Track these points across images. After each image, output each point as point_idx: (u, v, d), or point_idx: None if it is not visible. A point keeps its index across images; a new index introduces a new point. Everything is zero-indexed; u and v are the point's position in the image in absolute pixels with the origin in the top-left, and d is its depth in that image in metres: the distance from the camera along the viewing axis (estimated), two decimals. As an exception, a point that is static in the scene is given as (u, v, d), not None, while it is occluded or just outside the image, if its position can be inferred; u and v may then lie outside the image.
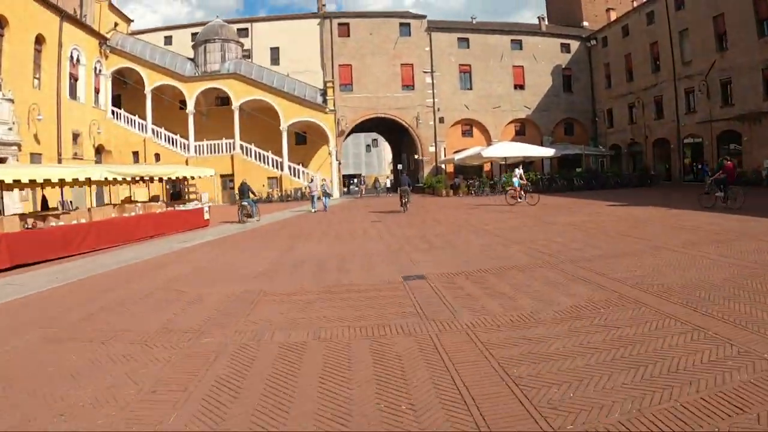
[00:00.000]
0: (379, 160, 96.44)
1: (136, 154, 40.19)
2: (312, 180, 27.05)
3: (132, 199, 24.85)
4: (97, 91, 40.00)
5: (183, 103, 41.00)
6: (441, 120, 44.13)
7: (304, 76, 40.79)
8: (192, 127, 39.35)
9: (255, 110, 40.26)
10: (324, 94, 38.80)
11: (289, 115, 38.78)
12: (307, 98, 38.67)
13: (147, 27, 45.30)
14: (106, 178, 15.79)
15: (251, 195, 22.23)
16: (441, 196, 34.87)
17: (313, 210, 25.39)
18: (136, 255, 12.91)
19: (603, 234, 12.30)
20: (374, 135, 58.42)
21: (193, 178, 23.04)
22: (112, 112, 40.57)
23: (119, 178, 16.35)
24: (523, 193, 23.11)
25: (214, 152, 39.57)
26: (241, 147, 38.96)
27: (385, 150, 72.64)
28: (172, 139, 39.99)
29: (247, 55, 42.88)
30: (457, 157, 37.86)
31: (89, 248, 14.29)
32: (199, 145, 39.68)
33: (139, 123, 40.31)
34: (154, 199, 24.01)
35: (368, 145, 60.35)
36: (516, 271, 8.50)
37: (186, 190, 26.30)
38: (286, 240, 14.59)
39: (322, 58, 42.76)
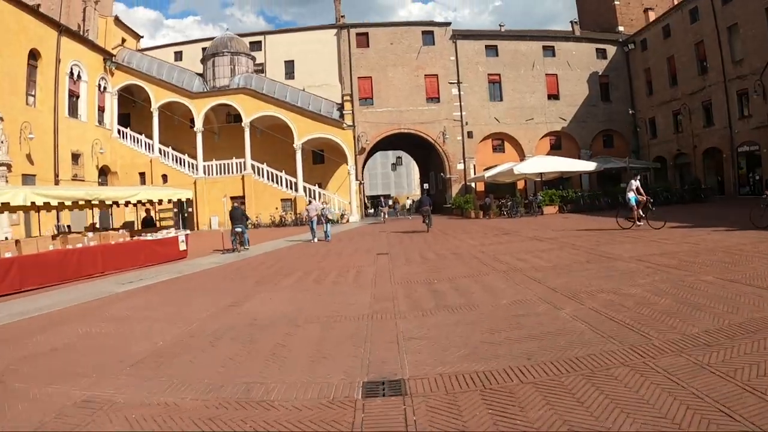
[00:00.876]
0: (409, 180, 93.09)
1: (142, 175, 37.37)
2: (310, 203, 21.80)
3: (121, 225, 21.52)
4: (101, 110, 37.35)
5: (193, 122, 38.10)
6: (469, 134, 40.32)
7: (320, 90, 37.51)
8: (200, 146, 36.32)
9: (269, 128, 37.09)
10: (341, 108, 35.37)
11: (304, 132, 35.44)
12: (323, 113, 35.29)
13: (160, 44, 42.79)
14: (33, 203, 12.11)
15: (244, 220, 18.95)
16: (469, 218, 30.85)
17: (314, 240, 20.52)
18: (41, 305, 9.33)
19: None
20: (400, 152, 54.63)
21: (160, 202, 18.68)
22: (118, 131, 37.87)
23: (54, 203, 12.62)
24: (639, 213, 16.28)
25: (224, 173, 36.39)
26: (253, 167, 35.70)
27: (413, 168, 68.82)
28: (180, 159, 37.02)
29: (261, 69, 39.90)
30: (488, 174, 33.90)
31: (8, 290, 10.88)
32: (208, 165, 36.56)
33: (146, 143, 37.52)
34: (127, 225, 20.49)
35: (393, 164, 56.26)
36: (586, 378, 4.22)
37: (156, 215, 22.55)
38: (251, 283, 10.84)
39: (339, 70, 39.51)
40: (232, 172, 35.99)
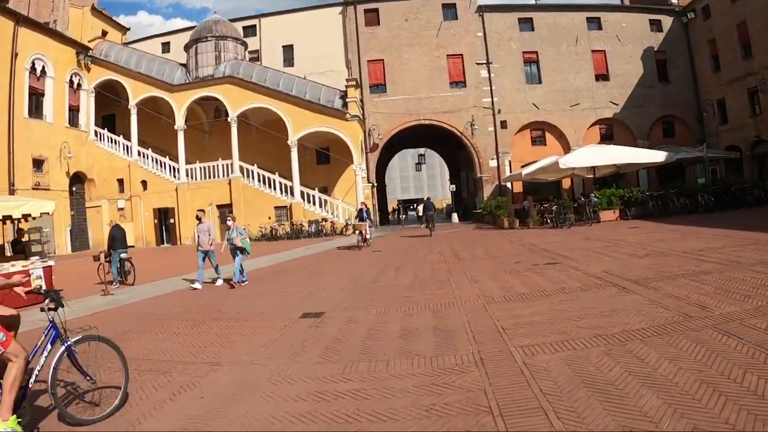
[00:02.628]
0: (443, 182, 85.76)
1: (121, 181, 31.73)
2: (199, 220, 12.18)
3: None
4: (74, 109, 31.92)
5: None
6: (503, 124, 33.12)
7: (324, 77, 30.98)
8: (182, 146, 30.31)
9: (265, 124, 30.80)
10: (344, 96, 28.84)
11: (300, 126, 28.92)
12: (322, 102, 28.77)
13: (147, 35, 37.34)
14: None
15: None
16: (503, 228, 23.33)
17: (196, 284, 11.33)
18: None
19: None
20: (423, 149, 47.58)
21: (22, 219, 12.34)
22: (96, 133, 32.41)
23: None
24: None
25: (210, 176, 30.26)
26: (242, 169, 29.48)
27: (447, 169, 61.49)
28: (161, 162, 31.28)
29: (256, 57, 33.73)
30: (526, 171, 26.67)
31: None
32: (191, 169, 30.56)
33: (124, 145, 31.88)
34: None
35: (417, 163, 48.47)
36: None
37: (20, 235, 16.20)
38: None
39: (346, 54, 32.86)
40: (218, 176, 29.85)
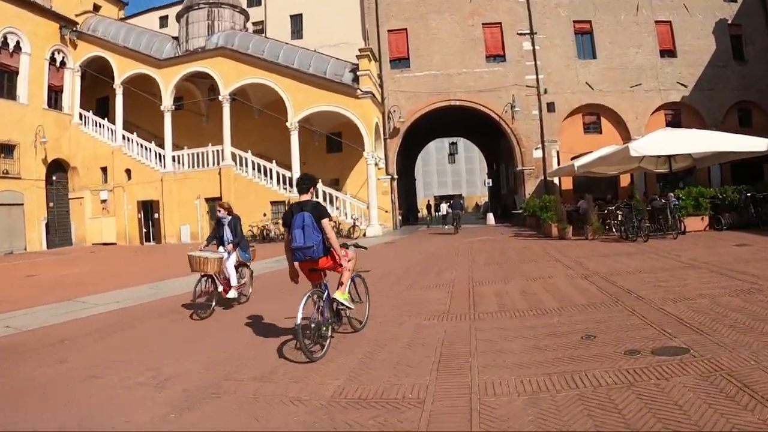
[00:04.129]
0: (483, 177, 79.03)
1: (105, 170, 27.37)
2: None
3: None
4: (57, 90, 27.77)
5: (178, 100, 27.88)
6: (550, 107, 26.94)
7: (337, 50, 25.45)
8: (169, 130, 25.51)
9: (268, 106, 25.78)
10: (356, 69, 23.39)
11: (301, 104, 23.56)
12: (328, 76, 23.43)
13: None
14: None
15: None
16: (550, 236, 16.84)
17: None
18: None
19: None
20: (456, 139, 41.07)
21: None
22: (80, 116, 28.16)
23: None
24: None
25: (198, 165, 25.38)
26: (234, 157, 24.54)
27: (482, 161, 54.95)
28: (147, 148, 26.70)
29: (260, 29, 28.71)
30: (580, 162, 20.56)
31: None
32: (179, 156, 25.81)
33: (109, 129, 27.53)
34: None
35: (450, 154, 41.39)
36: None
37: None
38: None
39: (363, 23, 27.41)
40: (208, 165, 24.92)
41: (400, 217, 27.72)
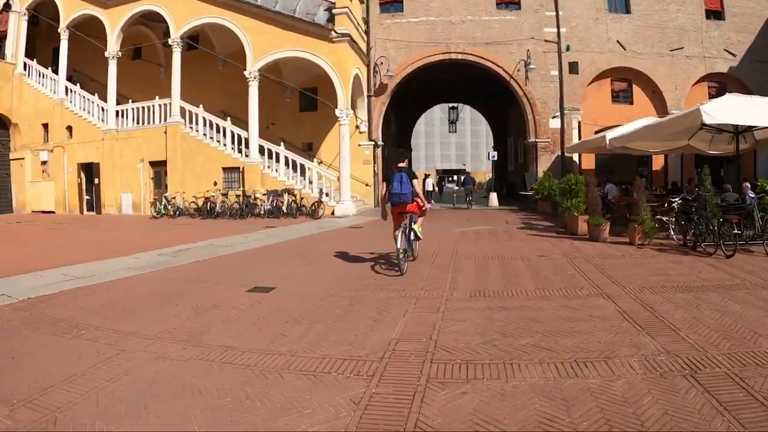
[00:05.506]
0: (488, 150, 73.17)
1: (46, 127, 22.75)
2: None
3: None
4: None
5: (137, 50, 23.09)
6: (572, 68, 21.66)
7: (318, -10, 20.60)
8: (113, 80, 20.46)
9: (233, 56, 20.74)
10: (332, 8, 18.16)
11: (263, 49, 18.15)
12: (297, 15, 18.29)
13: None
14: None
15: None
16: (575, 235, 11.30)
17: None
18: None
19: None
20: (458, 105, 35.03)
21: None
22: (25, 65, 23.39)
23: None
24: None
25: (144, 122, 20.58)
26: (183, 113, 19.70)
27: (489, 134, 48.97)
28: (91, 101, 21.89)
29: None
30: (613, 135, 15.29)
31: None
32: (122, 111, 21.02)
33: (52, 79, 22.77)
34: None
35: (450, 121, 34.66)
36: None
37: None
38: None
39: (350, -44, 22.24)
40: (154, 122, 20.11)
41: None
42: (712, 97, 22.65)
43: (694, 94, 22.71)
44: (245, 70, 18.39)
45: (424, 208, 7.61)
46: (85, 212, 22.12)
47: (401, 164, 7.36)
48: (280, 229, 13.55)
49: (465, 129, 74.32)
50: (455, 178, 63.42)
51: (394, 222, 7.49)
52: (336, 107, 18.09)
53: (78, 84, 22.43)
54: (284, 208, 16.91)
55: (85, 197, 22.39)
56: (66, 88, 22.19)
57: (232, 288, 6.33)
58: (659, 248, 9.12)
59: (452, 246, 9.82)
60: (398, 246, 7.02)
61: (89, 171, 21.94)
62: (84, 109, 21.87)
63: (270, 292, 6.10)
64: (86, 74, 23.61)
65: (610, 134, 14.86)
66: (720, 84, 23.39)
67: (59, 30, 22.30)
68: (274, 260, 8.72)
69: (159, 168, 19.89)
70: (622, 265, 7.59)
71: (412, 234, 7.45)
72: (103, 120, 21.17)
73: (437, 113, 63.42)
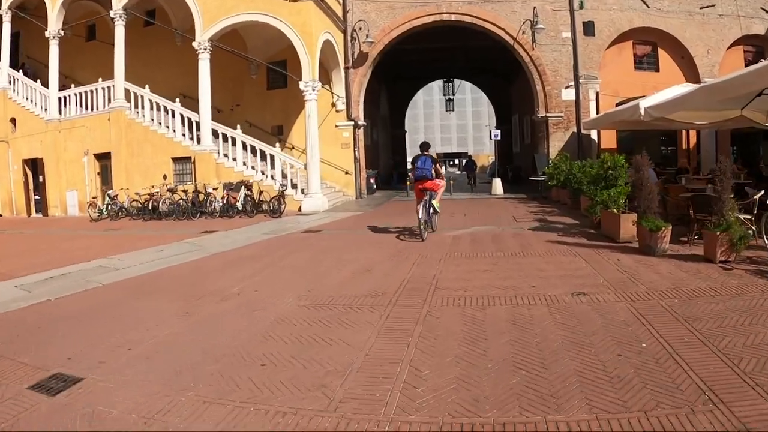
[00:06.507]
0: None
1: (-9, 119, 19.62)
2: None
3: None
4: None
5: (91, 28, 19.97)
6: (588, 29, 18.04)
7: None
8: (55, 64, 17.39)
9: (192, 31, 17.45)
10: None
11: (214, 14, 14.68)
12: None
13: None
14: None
15: None
16: (615, 242, 7.76)
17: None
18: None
19: None
20: (455, 80, 31.06)
21: None
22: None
23: None
24: None
25: (88, 108, 17.46)
26: (128, 95, 16.49)
27: (492, 115, 44.82)
28: (34, 89, 18.74)
29: None
30: (649, 103, 10.74)
31: None
32: (65, 98, 17.83)
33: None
34: None
35: (448, 98, 30.56)
36: None
37: None
38: None
39: None
40: (97, 108, 16.96)
41: (373, 181, 19.47)
42: (748, 62, 19.09)
43: (728, 59, 19.26)
44: (194, 40, 15.07)
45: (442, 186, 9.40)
46: (33, 214, 19.12)
47: (425, 154, 9.07)
48: (216, 236, 10.33)
49: (466, 110, 70.48)
50: (456, 161, 60.30)
51: (417, 197, 9.11)
52: (300, 79, 14.73)
53: (31, 72, 19.39)
54: (238, 204, 13.71)
55: (33, 197, 19.35)
56: (9, 75, 19.04)
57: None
58: (757, 269, 5.65)
59: (432, 270, 6.48)
60: (419, 217, 8.70)
61: (35, 168, 18.91)
62: (27, 99, 18.76)
63: (61, 394, 2.97)
64: (41, 61, 20.44)
65: (644, 102, 11.37)
66: (757, 48, 20.19)
67: (1, 12, 19.09)
68: (144, 303, 5.43)
69: (105, 161, 16.77)
70: (725, 311, 4.15)
71: (431, 208, 9.14)
72: (46, 109, 18.03)
73: (436, 94, 59.56)
